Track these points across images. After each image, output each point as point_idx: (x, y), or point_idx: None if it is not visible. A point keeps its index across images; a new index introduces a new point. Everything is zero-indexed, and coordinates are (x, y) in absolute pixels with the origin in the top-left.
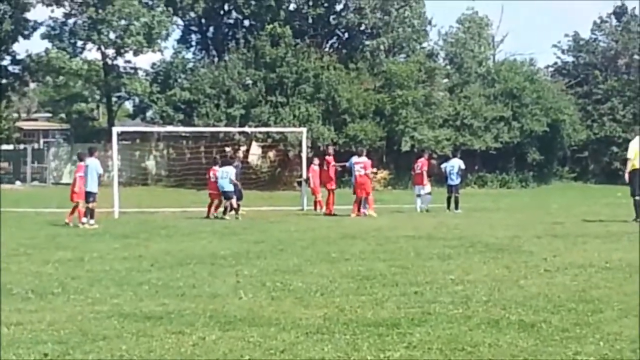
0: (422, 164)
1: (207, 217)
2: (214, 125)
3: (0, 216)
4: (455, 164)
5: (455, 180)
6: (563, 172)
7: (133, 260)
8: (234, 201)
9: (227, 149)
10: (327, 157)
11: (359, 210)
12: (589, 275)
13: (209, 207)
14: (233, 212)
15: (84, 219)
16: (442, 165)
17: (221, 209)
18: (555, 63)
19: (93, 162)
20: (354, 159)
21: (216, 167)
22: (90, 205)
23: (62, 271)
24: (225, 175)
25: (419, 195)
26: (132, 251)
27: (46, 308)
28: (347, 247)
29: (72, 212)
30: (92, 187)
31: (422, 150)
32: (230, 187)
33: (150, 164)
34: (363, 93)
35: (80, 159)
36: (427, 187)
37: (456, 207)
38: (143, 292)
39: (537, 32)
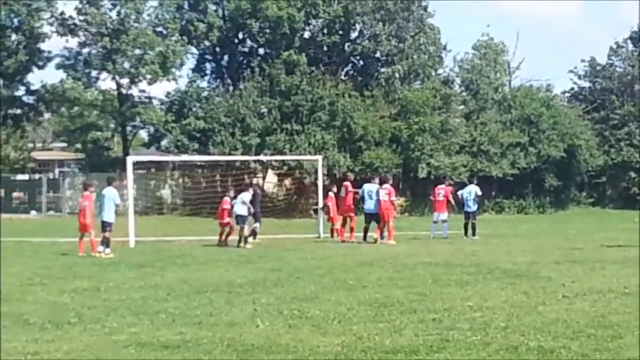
0: (445, 192)
1: (219, 244)
2: (229, 154)
3: (0, 245)
4: (472, 190)
5: (472, 206)
6: (580, 197)
7: (149, 289)
8: (246, 229)
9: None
10: (345, 183)
11: (381, 233)
12: (608, 301)
13: (220, 235)
14: (251, 238)
15: (100, 248)
16: (459, 192)
17: (232, 237)
18: (572, 88)
19: (111, 192)
20: (368, 186)
21: (227, 199)
22: (107, 234)
23: (79, 301)
24: (240, 200)
25: (435, 222)
26: (148, 280)
27: (63, 338)
28: (364, 274)
29: (81, 243)
30: (109, 216)
31: (443, 177)
32: (243, 211)
33: (166, 192)
34: (379, 120)
35: (86, 189)
36: (445, 215)
37: (473, 234)
38: (160, 321)
39: (553, 57)
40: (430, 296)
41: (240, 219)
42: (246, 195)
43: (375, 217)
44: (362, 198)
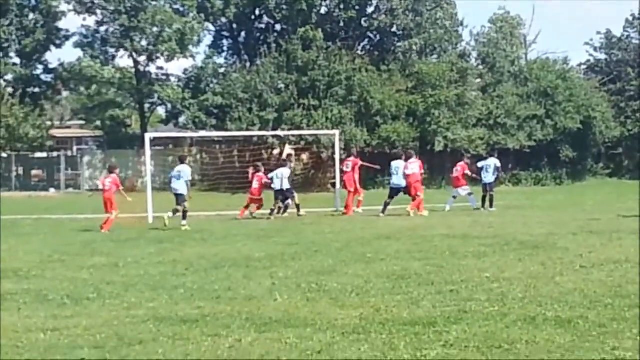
0: (461, 168)
1: (247, 217)
2: (247, 130)
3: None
4: (492, 163)
5: (490, 178)
6: (597, 168)
7: (168, 265)
8: (296, 198)
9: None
10: (353, 159)
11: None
12: (625, 271)
13: (246, 208)
14: (288, 211)
15: (184, 222)
16: (479, 164)
17: (257, 211)
18: (588, 61)
19: (185, 170)
20: (395, 162)
21: (260, 174)
22: (184, 207)
23: (97, 277)
24: (280, 176)
25: (455, 197)
26: (166, 256)
27: (82, 313)
28: (382, 247)
29: (108, 222)
30: (184, 190)
31: (461, 154)
32: (289, 186)
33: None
34: (395, 94)
35: (111, 171)
36: (467, 188)
37: (491, 205)
38: (178, 295)
39: (570, 30)
40: (448, 268)
41: (288, 193)
42: (286, 172)
43: (399, 192)
44: (390, 174)
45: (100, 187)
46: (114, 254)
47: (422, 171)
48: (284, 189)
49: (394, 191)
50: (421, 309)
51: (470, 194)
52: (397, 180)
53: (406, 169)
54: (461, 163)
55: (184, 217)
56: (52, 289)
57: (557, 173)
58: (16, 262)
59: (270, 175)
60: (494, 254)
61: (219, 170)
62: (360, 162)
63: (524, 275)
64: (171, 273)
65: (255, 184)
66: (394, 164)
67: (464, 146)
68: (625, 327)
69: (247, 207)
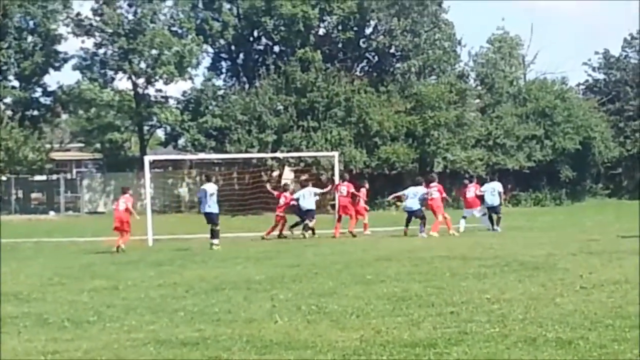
0: (475, 188)
1: (279, 236)
2: (246, 152)
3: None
4: (495, 186)
5: (496, 201)
6: (596, 189)
7: (168, 287)
8: (314, 221)
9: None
10: (347, 184)
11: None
12: (626, 292)
13: (273, 228)
14: (310, 231)
15: (215, 241)
16: (483, 188)
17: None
18: (587, 81)
19: (211, 187)
20: (413, 188)
21: (287, 194)
22: (216, 227)
23: (98, 300)
24: (308, 196)
25: (465, 217)
26: (166, 278)
27: (82, 337)
28: (382, 269)
29: (123, 237)
30: (214, 208)
31: (470, 175)
32: (313, 206)
33: (183, 191)
34: (394, 115)
35: (125, 192)
36: (481, 209)
37: (497, 223)
38: (179, 318)
39: (568, 50)
40: (448, 289)
41: (312, 213)
42: (313, 190)
43: (414, 215)
44: (406, 197)
45: (119, 206)
46: (114, 276)
47: (444, 195)
48: (309, 208)
49: (410, 214)
50: (422, 331)
51: (484, 214)
52: (410, 203)
53: (428, 194)
54: (473, 183)
55: (217, 236)
56: (52, 312)
57: (556, 193)
58: (17, 286)
59: (295, 196)
60: (494, 275)
61: (219, 193)
62: (352, 189)
63: (525, 297)
64: (171, 296)
65: (281, 203)
66: (412, 189)
67: (464, 167)
68: (626, 347)
69: (275, 226)
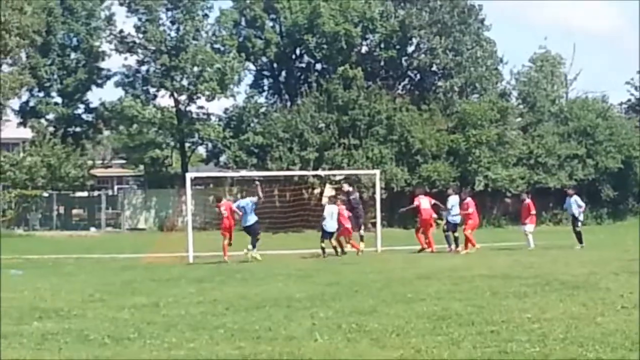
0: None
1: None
2: (287, 169)
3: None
4: (574, 200)
5: (576, 212)
6: (638, 208)
7: (208, 305)
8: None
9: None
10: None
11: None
12: None
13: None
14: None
15: (254, 251)
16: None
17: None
18: (629, 100)
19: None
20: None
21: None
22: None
23: (138, 316)
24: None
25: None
26: (207, 295)
27: (123, 353)
28: (422, 287)
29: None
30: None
31: (526, 192)
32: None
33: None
34: (436, 133)
35: (220, 200)
36: (532, 226)
37: (580, 241)
38: (219, 336)
39: (610, 69)
40: (488, 308)
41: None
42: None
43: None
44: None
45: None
46: (154, 293)
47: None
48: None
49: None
50: (462, 350)
51: (527, 233)
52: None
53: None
54: (528, 201)
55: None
56: (93, 328)
57: (597, 212)
58: (58, 302)
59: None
60: (535, 294)
61: (260, 210)
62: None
63: (565, 316)
64: (212, 313)
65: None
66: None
67: (505, 185)
68: None
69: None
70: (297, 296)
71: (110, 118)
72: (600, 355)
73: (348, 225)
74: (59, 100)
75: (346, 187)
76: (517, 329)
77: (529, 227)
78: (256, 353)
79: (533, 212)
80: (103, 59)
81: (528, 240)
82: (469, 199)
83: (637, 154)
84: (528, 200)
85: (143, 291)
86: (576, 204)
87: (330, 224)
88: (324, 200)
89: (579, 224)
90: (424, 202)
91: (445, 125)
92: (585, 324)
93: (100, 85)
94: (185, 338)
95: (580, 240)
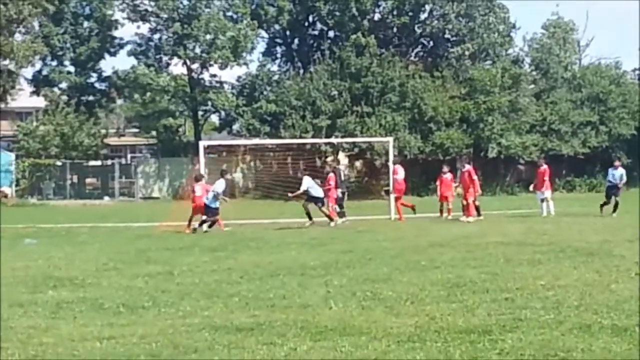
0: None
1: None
2: (300, 137)
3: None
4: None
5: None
6: None
7: (222, 273)
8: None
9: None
10: (330, 176)
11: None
12: None
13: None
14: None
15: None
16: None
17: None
18: None
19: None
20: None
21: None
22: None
23: (152, 285)
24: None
25: (542, 200)
26: (221, 264)
27: (138, 322)
28: (436, 255)
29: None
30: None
31: (543, 159)
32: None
33: (237, 176)
34: (448, 100)
35: (198, 180)
36: (543, 193)
37: (614, 211)
38: (233, 304)
39: (623, 35)
40: (503, 275)
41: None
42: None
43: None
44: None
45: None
46: (168, 262)
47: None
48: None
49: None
50: (476, 317)
51: (544, 199)
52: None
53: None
54: (544, 167)
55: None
56: (107, 297)
57: None
58: (72, 270)
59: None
60: (548, 261)
61: (273, 178)
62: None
63: (579, 283)
64: (226, 281)
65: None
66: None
67: (518, 152)
68: None
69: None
70: (311, 264)
71: (124, 87)
72: (615, 322)
73: (334, 195)
74: (72, 69)
75: (333, 165)
76: (531, 296)
77: (547, 193)
78: (271, 321)
79: (546, 178)
80: (116, 28)
81: (543, 207)
82: (469, 167)
83: None
84: (545, 167)
85: (157, 260)
86: (623, 176)
87: (317, 191)
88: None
89: (619, 193)
90: (400, 172)
91: (458, 92)
92: (599, 291)
93: (113, 54)
94: (199, 306)
95: (615, 210)
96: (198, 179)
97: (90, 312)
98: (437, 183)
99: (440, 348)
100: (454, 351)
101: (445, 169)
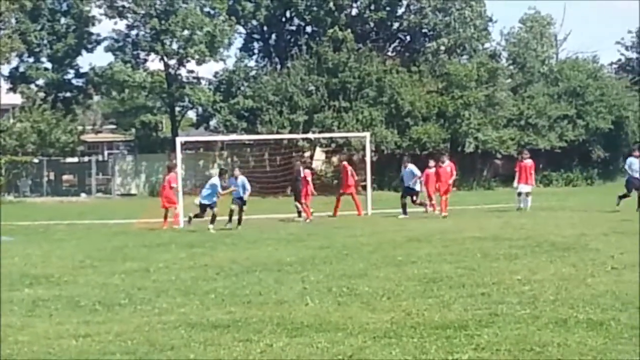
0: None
1: None
2: (277, 132)
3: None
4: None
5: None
6: None
7: (199, 269)
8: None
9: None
10: (306, 171)
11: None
12: None
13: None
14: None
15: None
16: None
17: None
18: (619, 60)
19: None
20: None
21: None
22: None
23: (129, 282)
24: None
25: (520, 194)
26: (197, 260)
27: (114, 319)
28: (413, 250)
29: (165, 218)
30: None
31: (525, 153)
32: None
33: (215, 172)
34: (425, 95)
35: (171, 170)
36: (524, 187)
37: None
38: (209, 300)
39: (600, 29)
40: (479, 270)
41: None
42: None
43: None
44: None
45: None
46: (145, 259)
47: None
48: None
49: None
50: (452, 312)
51: (528, 194)
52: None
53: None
54: (529, 161)
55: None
56: (83, 295)
57: (588, 173)
58: (49, 268)
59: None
60: (525, 255)
61: (250, 174)
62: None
63: (556, 277)
64: (202, 278)
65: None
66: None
67: (495, 147)
68: None
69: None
70: (287, 260)
71: (101, 83)
72: (590, 316)
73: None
74: (48, 65)
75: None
76: (507, 291)
77: (529, 187)
78: (247, 317)
79: (532, 172)
80: (93, 24)
81: (526, 201)
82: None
83: (627, 114)
84: (530, 161)
85: (134, 257)
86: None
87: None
88: (315, 163)
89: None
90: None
91: (435, 87)
92: (575, 285)
93: (90, 50)
94: (176, 303)
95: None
96: (171, 168)
97: (66, 310)
98: (423, 179)
99: (416, 343)
100: (430, 346)
101: (431, 163)
